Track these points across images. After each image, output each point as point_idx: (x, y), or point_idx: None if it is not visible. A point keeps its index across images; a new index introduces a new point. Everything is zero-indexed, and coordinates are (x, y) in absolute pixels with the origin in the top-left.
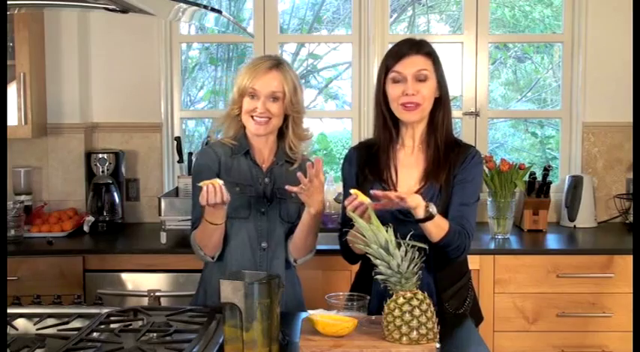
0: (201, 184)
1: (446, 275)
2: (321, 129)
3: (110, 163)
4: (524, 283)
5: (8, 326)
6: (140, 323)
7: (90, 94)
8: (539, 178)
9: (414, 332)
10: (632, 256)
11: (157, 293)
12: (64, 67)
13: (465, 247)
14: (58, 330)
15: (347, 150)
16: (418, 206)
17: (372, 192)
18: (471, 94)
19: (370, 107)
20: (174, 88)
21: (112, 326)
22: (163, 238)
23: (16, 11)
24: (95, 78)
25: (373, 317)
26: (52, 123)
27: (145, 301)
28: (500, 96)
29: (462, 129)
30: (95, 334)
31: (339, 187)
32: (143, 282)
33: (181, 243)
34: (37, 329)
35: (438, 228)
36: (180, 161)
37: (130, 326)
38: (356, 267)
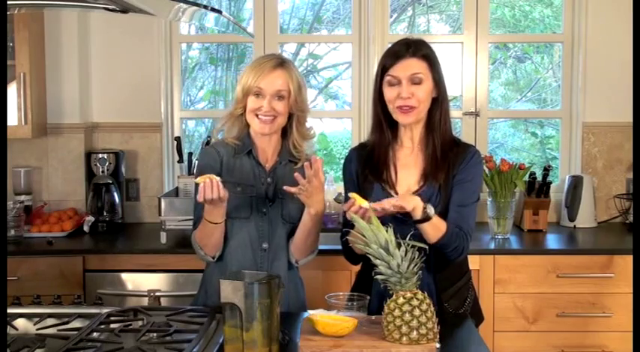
0: (197, 180)
1: (446, 275)
2: (321, 129)
3: (110, 163)
4: (524, 283)
5: (8, 326)
6: (140, 323)
7: (90, 94)
8: (539, 178)
9: (414, 332)
10: (632, 256)
11: (157, 293)
12: (64, 67)
13: (463, 248)
14: (58, 330)
15: (347, 151)
16: (416, 207)
17: (370, 205)
18: (470, 94)
19: (370, 107)
20: (174, 87)
21: (112, 326)
22: (163, 238)
23: (16, 11)
24: (95, 78)
25: (373, 317)
26: (52, 123)
27: (145, 301)
28: (500, 96)
29: (462, 129)
30: (95, 334)
31: (339, 187)
32: (143, 282)
33: (181, 243)
34: (37, 329)
35: (435, 229)
36: (180, 161)
37: (130, 326)
38: (356, 267)
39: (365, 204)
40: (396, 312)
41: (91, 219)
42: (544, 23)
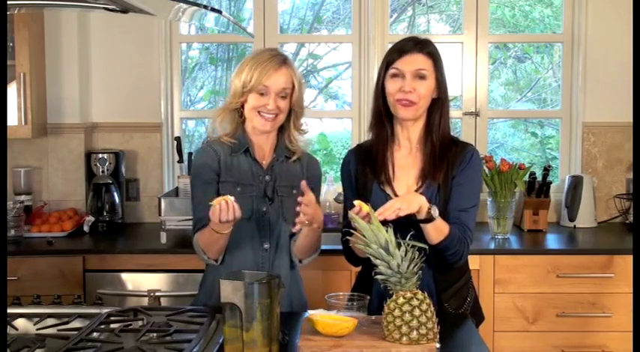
0: (213, 203)
1: (446, 275)
2: (321, 129)
3: (110, 163)
4: (524, 283)
5: (8, 326)
6: (140, 323)
7: (90, 94)
8: (539, 178)
9: (414, 332)
10: (632, 256)
11: (157, 293)
12: (64, 67)
13: (462, 254)
14: (58, 330)
15: (347, 151)
16: (421, 207)
17: (375, 215)
18: (471, 94)
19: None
20: (174, 87)
21: (112, 326)
22: (163, 238)
23: (16, 11)
24: (95, 78)
25: (373, 317)
26: (52, 123)
27: (145, 301)
28: (500, 96)
29: (462, 129)
30: (95, 334)
31: (338, 187)
32: (143, 282)
33: (181, 243)
34: (37, 329)
35: (437, 231)
36: (181, 161)
37: (130, 326)
38: (357, 267)
39: (370, 210)
40: (396, 312)
41: (91, 219)
42: (544, 23)
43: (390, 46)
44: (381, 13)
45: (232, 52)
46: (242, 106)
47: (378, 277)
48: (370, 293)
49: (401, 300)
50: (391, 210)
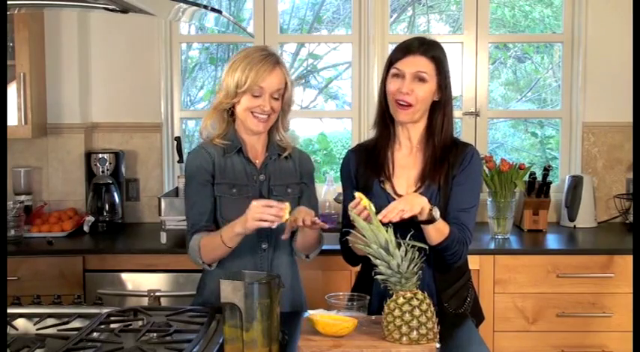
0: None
1: (446, 275)
2: (321, 129)
3: (110, 163)
4: (524, 283)
5: (8, 326)
6: (140, 323)
7: (90, 94)
8: (539, 178)
9: (414, 332)
10: (632, 256)
11: (157, 293)
12: (64, 67)
13: (461, 254)
14: (58, 330)
15: (346, 151)
16: (423, 208)
17: (378, 217)
18: (471, 94)
19: (370, 107)
20: (174, 88)
21: (112, 326)
22: (163, 238)
23: (16, 11)
24: (95, 78)
25: (373, 317)
26: (52, 123)
27: (145, 301)
28: (500, 96)
29: (462, 129)
30: (95, 334)
31: (338, 187)
32: (143, 282)
33: (181, 243)
34: (37, 329)
35: (438, 232)
36: (181, 161)
37: (130, 326)
38: (356, 267)
39: (369, 204)
40: (396, 312)
41: (91, 219)
42: (544, 23)
43: (390, 46)
44: (381, 13)
45: (232, 52)
46: (233, 106)
47: (378, 277)
48: (370, 293)
49: (401, 300)
50: (394, 212)
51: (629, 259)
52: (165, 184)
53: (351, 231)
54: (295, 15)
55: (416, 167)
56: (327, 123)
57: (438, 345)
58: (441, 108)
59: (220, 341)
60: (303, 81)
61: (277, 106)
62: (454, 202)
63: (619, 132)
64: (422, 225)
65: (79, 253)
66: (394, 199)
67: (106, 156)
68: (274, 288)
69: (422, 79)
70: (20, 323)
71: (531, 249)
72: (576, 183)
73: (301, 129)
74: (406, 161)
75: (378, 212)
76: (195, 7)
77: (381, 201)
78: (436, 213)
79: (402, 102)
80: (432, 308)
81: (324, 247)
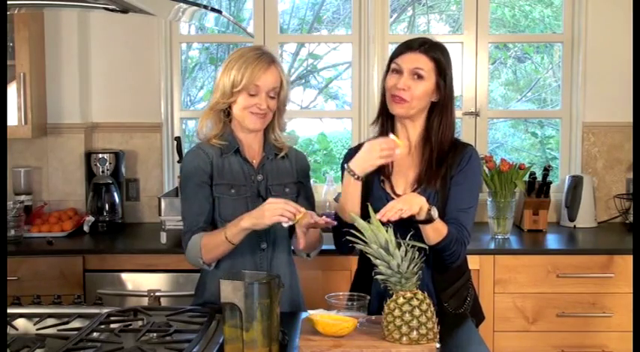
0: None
1: (445, 275)
2: (321, 129)
3: (110, 163)
4: (524, 283)
5: (8, 326)
6: (140, 323)
7: (90, 94)
8: (539, 178)
9: (414, 332)
10: (632, 256)
11: (157, 293)
12: (64, 67)
13: (459, 254)
14: (58, 330)
15: (346, 150)
16: (421, 208)
17: (377, 218)
18: (471, 94)
19: (370, 107)
20: (174, 88)
21: (112, 326)
22: (163, 238)
23: (16, 11)
24: (95, 78)
25: (373, 317)
26: (52, 123)
27: (145, 301)
28: (500, 96)
29: (462, 129)
30: (95, 334)
31: (338, 187)
32: (143, 282)
33: (181, 243)
34: (37, 329)
35: (436, 232)
36: (180, 161)
37: (130, 326)
38: (355, 267)
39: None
40: (396, 312)
41: (91, 219)
42: (544, 23)
43: (390, 46)
44: (381, 13)
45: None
46: (229, 106)
47: (378, 277)
48: (370, 293)
49: (401, 300)
50: (393, 211)
51: (629, 259)
52: (165, 184)
53: (352, 231)
54: (295, 15)
55: (414, 167)
56: (327, 123)
57: (438, 345)
58: (439, 109)
59: (220, 341)
60: (303, 81)
61: (273, 105)
62: (452, 202)
63: (619, 132)
64: (420, 225)
65: (79, 253)
66: (393, 199)
67: (106, 156)
68: (274, 288)
69: (419, 76)
70: (20, 323)
71: (531, 249)
72: (576, 183)
73: (301, 129)
74: (405, 160)
75: (376, 212)
76: (195, 7)
77: (381, 200)
78: (434, 212)
79: (397, 98)
80: (432, 308)
81: (324, 247)
